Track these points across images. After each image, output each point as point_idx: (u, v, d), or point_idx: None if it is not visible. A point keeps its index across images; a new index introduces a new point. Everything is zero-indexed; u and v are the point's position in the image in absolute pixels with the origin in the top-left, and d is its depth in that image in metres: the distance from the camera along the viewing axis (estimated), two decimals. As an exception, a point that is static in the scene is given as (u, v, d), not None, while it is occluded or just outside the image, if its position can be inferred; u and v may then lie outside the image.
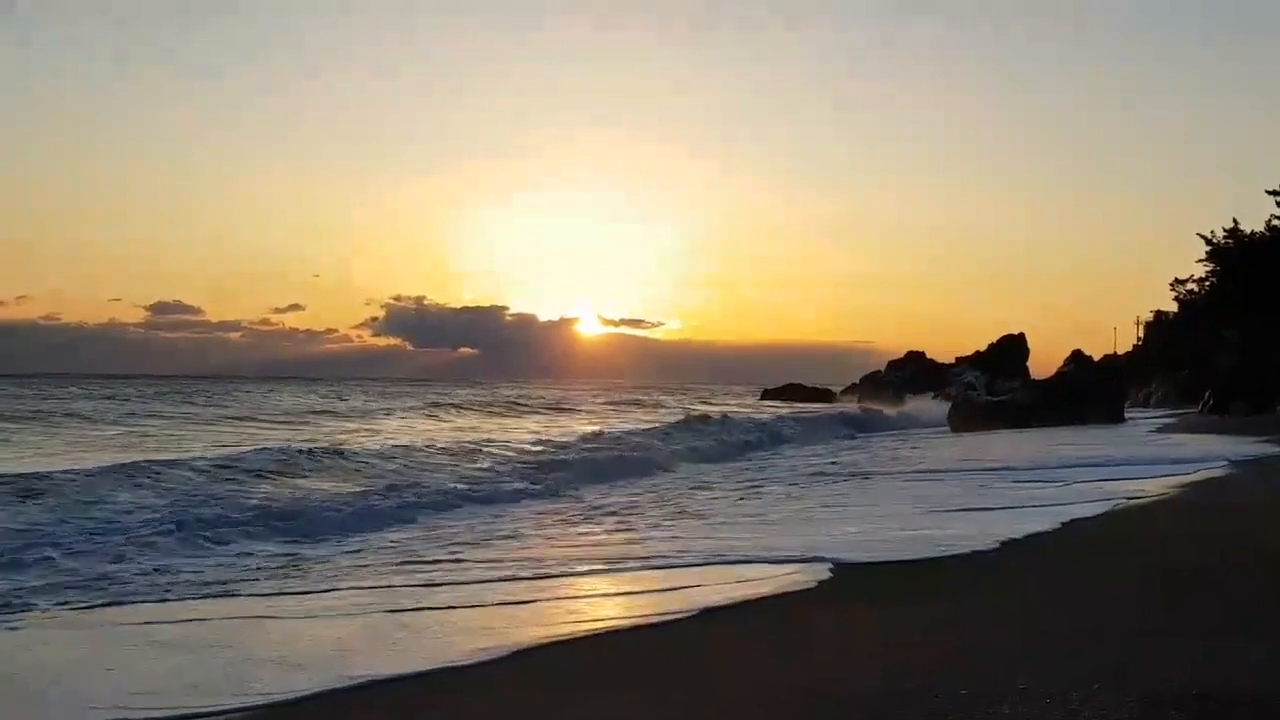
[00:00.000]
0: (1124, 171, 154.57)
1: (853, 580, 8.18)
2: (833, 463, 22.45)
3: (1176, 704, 4.49)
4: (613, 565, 9.37)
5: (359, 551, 10.71)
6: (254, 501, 13.27)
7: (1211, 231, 63.96)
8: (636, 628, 6.85)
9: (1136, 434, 33.17)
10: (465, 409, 51.73)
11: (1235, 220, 63.93)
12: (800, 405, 70.34)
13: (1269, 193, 57.48)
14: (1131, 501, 12.76)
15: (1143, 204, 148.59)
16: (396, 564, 9.77)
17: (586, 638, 6.58)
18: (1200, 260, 66.61)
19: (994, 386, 51.34)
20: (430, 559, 9.99)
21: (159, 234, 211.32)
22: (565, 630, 6.79)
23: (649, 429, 30.18)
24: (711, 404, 65.68)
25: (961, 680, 4.94)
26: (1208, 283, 67.38)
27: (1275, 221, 58.90)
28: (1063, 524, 10.89)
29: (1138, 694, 4.61)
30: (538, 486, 16.87)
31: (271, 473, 16.00)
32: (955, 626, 6.43)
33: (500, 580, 8.73)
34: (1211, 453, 20.97)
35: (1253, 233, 62.23)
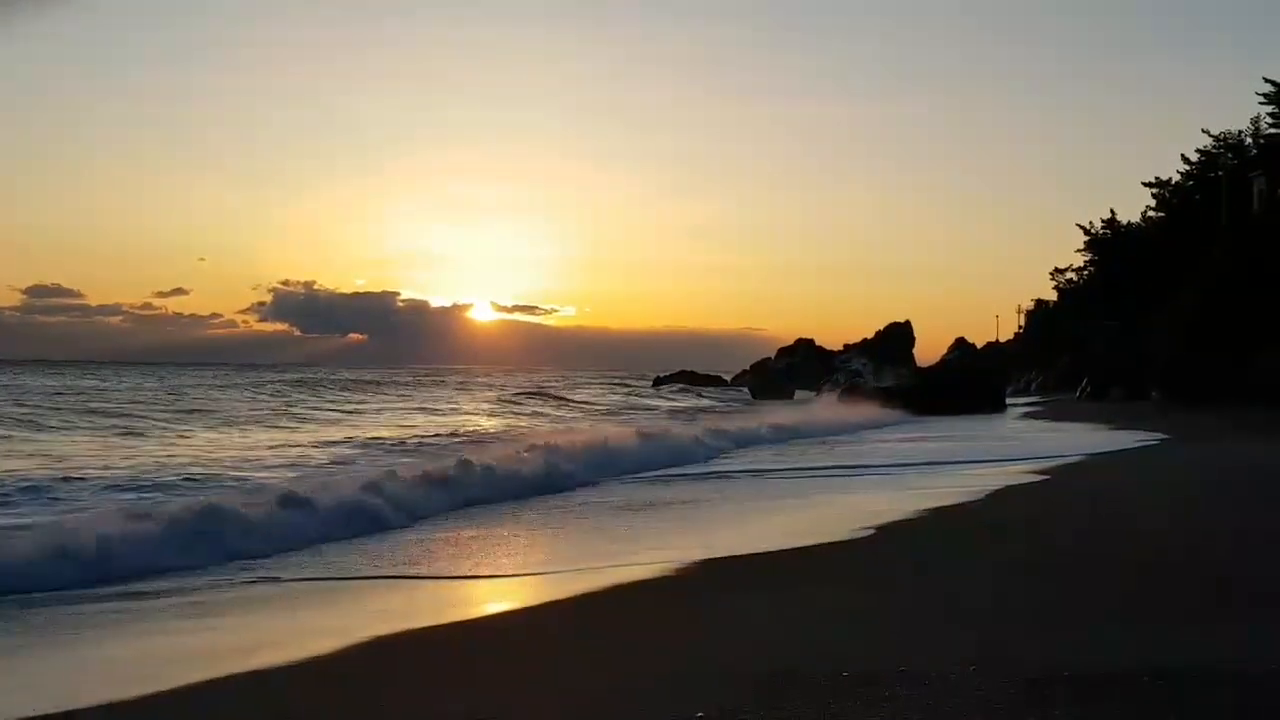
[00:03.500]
0: (1008, 164, 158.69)
1: (728, 568, 8.22)
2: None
3: (1049, 684, 4.59)
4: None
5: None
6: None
7: (1090, 222, 66.08)
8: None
9: (1008, 423, 34.90)
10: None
11: (1113, 211, 66.04)
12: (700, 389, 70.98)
13: (1145, 184, 59.45)
14: (998, 492, 13.08)
15: (1025, 195, 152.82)
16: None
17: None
18: (1079, 250, 68.69)
19: (881, 374, 52.26)
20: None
21: (36, 214, 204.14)
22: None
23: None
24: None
25: (844, 663, 4.98)
26: (1086, 271, 69.47)
27: (1151, 212, 60.94)
28: (934, 510, 11.11)
29: (1012, 675, 4.71)
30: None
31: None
32: (834, 612, 6.48)
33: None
34: (1072, 445, 22.47)
35: (1129, 223, 64.24)
